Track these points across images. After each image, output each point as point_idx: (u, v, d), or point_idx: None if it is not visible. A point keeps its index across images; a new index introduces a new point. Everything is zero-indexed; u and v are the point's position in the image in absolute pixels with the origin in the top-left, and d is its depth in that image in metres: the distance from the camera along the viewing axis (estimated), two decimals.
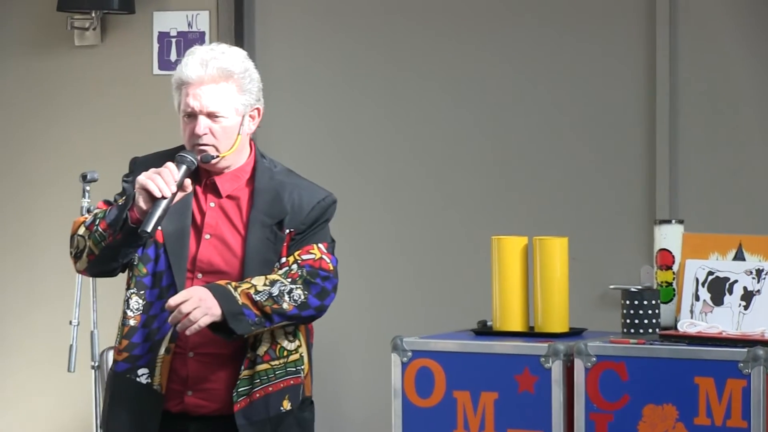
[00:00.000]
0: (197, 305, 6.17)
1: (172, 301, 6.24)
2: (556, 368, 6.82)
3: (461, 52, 9.40)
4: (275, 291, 6.36)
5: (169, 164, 6.40)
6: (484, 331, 7.26)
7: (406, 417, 7.15)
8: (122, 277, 7.00)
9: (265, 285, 6.36)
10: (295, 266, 6.43)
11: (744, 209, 8.46)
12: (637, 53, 9.19)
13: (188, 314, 6.12)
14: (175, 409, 6.54)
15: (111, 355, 8.33)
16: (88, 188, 7.88)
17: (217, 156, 6.42)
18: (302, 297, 6.37)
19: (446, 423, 7.06)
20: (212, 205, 6.63)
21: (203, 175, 6.57)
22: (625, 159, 9.03)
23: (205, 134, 6.36)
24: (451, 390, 7.07)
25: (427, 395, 7.13)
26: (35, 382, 9.57)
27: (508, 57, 9.35)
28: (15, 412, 9.87)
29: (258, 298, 6.29)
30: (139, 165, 6.67)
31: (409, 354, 7.11)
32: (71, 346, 7.89)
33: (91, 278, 7.96)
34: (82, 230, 6.50)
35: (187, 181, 6.41)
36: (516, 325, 7.18)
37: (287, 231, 6.45)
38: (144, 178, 6.29)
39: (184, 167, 6.33)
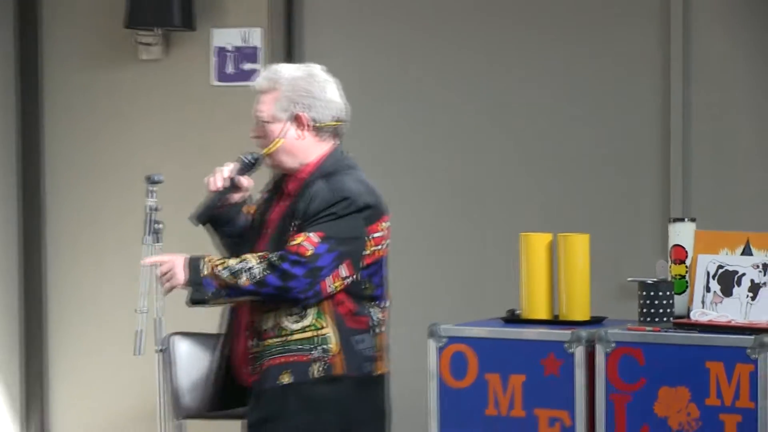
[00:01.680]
0: (166, 270, 6.63)
1: (147, 260, 7.19)
2: (579, 353, 6.95)
3: (492, 61, 9.43)
4: (237, 267, 6.53)
5: (229, 163, 6.86)
6: (513, 319, 7.39)
7: (442, 397, 7.27)
8: None
9: (234, 263, 6.57)
10: (283, 254, 6.54)
11: (751, 209, 8.51)
12: (654, 66, 9.22)
13: (162, 276, 6.64)
14: (245, 384, 6.82)
15: (175, 339, 8.80)
16: (153, 189, 7.99)
17: (261, 155, 6.77)
18: (260, 276, 6.49)
19: (478, 403, 7.19)
20: (281, 202, 6.84)
21: (285, 176, 6.89)
22: (642, 163, 9.13)
23: (254, 136, 6.77)
24: (483, 373, 7.17)
25: (461, 377, 7.21)
26: (107, 365, 9.69)
27: (537, 66, 9.40)
28: (90, 390, 10.00)
29: (219, 272, 6.51)
30: None
31: (445, 340, 7.25)
32: (138, 331, 8.12)
33: (157, 248, 8.25)
34: None
35: (247, 181, 6.85)
36: (542, 313, 7.33)
37: (296, 223, 6.58)
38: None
39: (237, 165, 6.77)
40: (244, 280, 6.50)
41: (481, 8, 9.47)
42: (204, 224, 6.99)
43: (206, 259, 6.65)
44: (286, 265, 6.49)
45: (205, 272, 6.57)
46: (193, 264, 6.63)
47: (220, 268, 6.55)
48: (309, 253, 6.47)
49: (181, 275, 6.59)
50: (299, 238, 6.48)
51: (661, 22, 9.16)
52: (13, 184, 10.20)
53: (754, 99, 8.98)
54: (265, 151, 6.73)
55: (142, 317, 8.09)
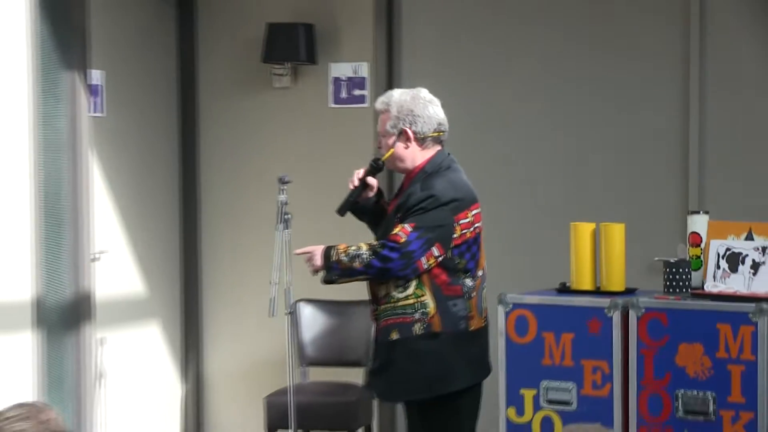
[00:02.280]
0: (310, 257, 6.94)
1: (297, 251, 7.16)
2: (616, 317, 7.07)
3: (552, 76, 9.40)
4: (352, 254, 6.82)
5: (360, 170, 7.18)
6: (564, 289, 7.51)
7: (508, 350, 7.39)
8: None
9: (352, 251, 6.83)
10: (383, 243, 6.82)
11: (753, 203, 8.46)
12: (675, 84, 9.07)
13: (306, 261, 6.96)
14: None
15: (300, 304, 8.98)
16: (283, 187, 8.05)
17: (381, 160, 7.08)
18: (367, 260, 6.75)
19: (537, 355, 7.30)
20: (397, 198, 7.15)
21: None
22: (667, 168, 9.07)
23: (378, 147, 7.08)
24: (541, 331, 7.28)
25: (523, 335, 7.33)
26: (249, 323, 9.71)
27: (585, 81, 9.33)
28: (235, 344, 10.05)
29: (341, 258, 6.82)
30: None
31: (510, 306, 7.36)
32: (271, 298, 8.17)
33: (283, 247, 8.06)
34: None
35: (374, 180, 7.13)
36: (587, 285, 7.42)
37: (398, 215, 6.88)
38: None
39: (367, 168, 7.06)
40: (356, 264, 6.77)
41: (540, 38, 9.39)
42: (343, 215, 7.16)
43: (336, 248, 6.87)
44: (385, 251, 6.72)
45: (333, 258, 6.83)
46: (327, 252, 6.89)
47: (342, 255, 6.80)
48: (402, 240, 6.69)
49: (318, 261, 6.91)
50: (396, 229, 6.71)
51: (682, 49, 9.04)
52: (176, 183, 10.24)
53: (764, 109, 8.88)
54: (382, 159, 7.03)
55: (275, 287, 8.01)
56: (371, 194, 7.15)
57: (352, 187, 7.08)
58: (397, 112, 6.90)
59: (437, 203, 6.78)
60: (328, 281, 6.98)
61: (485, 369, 7.13)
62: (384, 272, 6.79)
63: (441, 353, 6.87)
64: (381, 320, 6.92)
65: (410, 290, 6.83)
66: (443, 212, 6.81)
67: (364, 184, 7.08)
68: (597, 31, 9.27)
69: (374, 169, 7.11)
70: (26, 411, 4.18)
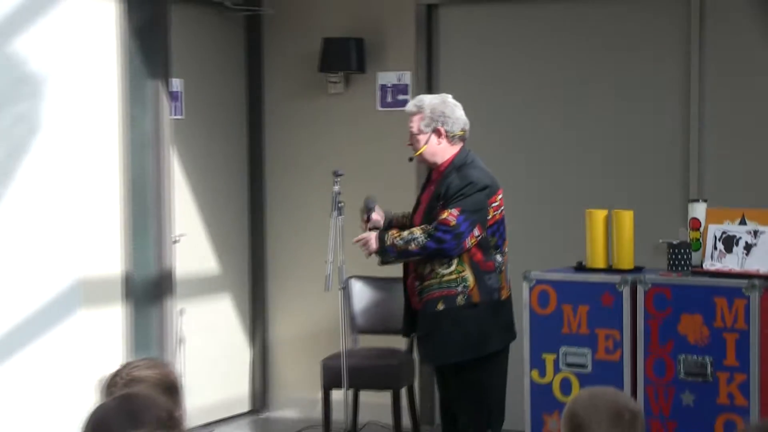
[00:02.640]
0: (366, 243, 7.04)
1: (355, 239, 7.24)
2: (626, 291, 7.11)
3: (569, 80, 9.32)
4: (407, 238, 6.87)
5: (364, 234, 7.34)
6: (581, 267, 7.51)
7: (532, 321, 7.42)
8: (353, 232, 7.45)
9: (406, 234, 6.89)
10: (434, 225, 6.87)
11: (746, 192, 8.39)
12: (676, 82, 8.99)
13: (362, 246, 7.06)
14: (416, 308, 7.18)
15: (352, 280, 8.97)
16: (337, 179, 8.01)
17: (371, 201, 7.31)
18: (422, 242, 6.80)
19: (557, 325, 7.34)
20: (429, 187, 7.21)
21: (432, 169, 7.24)
22: (669, 161, 9.02)
23: (408, 144, 7.07)
24: (560, 304, 7.30)
25: (545, 307, 7.35)
26: (309, 297, 9.65)
27: (596, 82, 9.24)
28: (296, 314, 10.09)
29: (396, 241, 6.88)
30: None
31: (534, 281, 7.36)
32: (327, 275, 8.28)
33: (337, 231, 8.20)
34: None
35: (377, 219, 7.34)
36: (600, 264, 7.43)
37: (440, 202, 6.91)
38: None
39: (363, 219, 7.38)
40: (412, 246, 6.82)
41: (557, 49, 9.32)
42: (387, 261, 7.22)
43: (389, 233, 6.96)
44: (439, 234, 6.78)
45: (388, 243, 6.91)
46: (381, 237, 6.98)
47: (397, 239, 6.88)
48: (453, 223, 6.76)
49: (373, 245, 7.01)
50: (444, 214, 6.77)
51: (683, 54, 8.97)
52: (245, 175, 10.26)
53: (757, 106, 8.84)
54: (416, 153, 7.05)
55: (330, 265, 8.12)
56: (382, 224, 7.29)
57: (371, 250, 7.24)
58: (430, 113, 6.95)
59: (475, 189, 6.87)
60: (384, 262, 7.10)
61: (513, 334, 7.19)
62: (438, 252, 6.83)
63: (480, 320, 6.95)
64: (425, 294, 6.93)
65: (453, 267, 6.88)
66: (480, 197, 6.90)
67: (374, 226, 7.28)
68: (607, 35, 9.23)
69: (368, 209, 7.33)
70: (152, 362, 4.27)
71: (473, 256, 6.91)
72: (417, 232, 6.89)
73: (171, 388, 3.81)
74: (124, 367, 4.09)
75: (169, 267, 9.19)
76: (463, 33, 9.66)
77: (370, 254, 7.16)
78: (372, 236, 7.05)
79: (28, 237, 8.48)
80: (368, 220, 7.33)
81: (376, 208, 7.40)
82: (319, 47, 9.67)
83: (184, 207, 9.58)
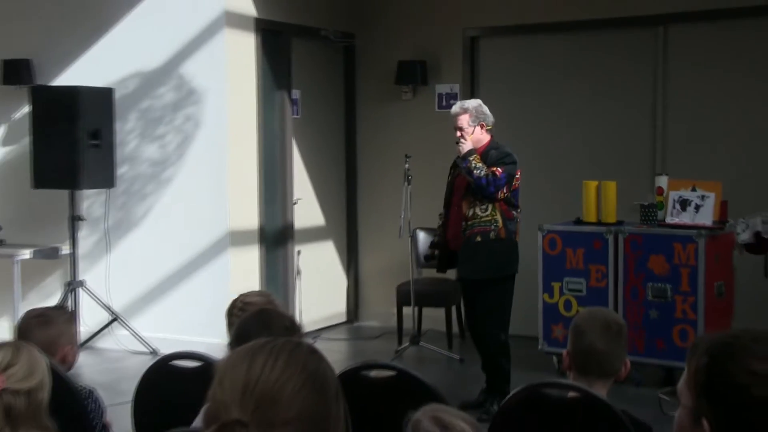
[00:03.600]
0: (463, 142, 6.71)
1: (459, 138, 6.88)
2: (611, 238, 7.25)
3: (574, 94, 9.11)
4: (479, 167, 6.64)
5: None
6: (578, 221, 7.61)
7: (544, 259, 7.60)
8: (418, 197, 7.54)
9: (479, 164, 6.67)
10: (491, 172, 6.66)
11: (697, 169, 8.08)
12: (646, 87, 8.82)
13: (459, 143, 6.76)
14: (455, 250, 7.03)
15: (417, 230, 8.83)
16: (407, 159, 8.02)
17: (464, 142, 6.83)
18: (481, 174, 6.65)
19: (561, 262, 7.46)
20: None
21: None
22: (642, 146, 8.83)
23: (458, 136, 6.82)
24: (564, 247, 7.42)
25: (553, 249, 7.48)
26: (388, 241, 9.39)
27: (594, 95, 9.03)
28: (378, 257, 9.97)
29: (473, 162, 6.64)
30: None
31: (546, 231, 7.58)
32: (400, 226, 8.28)
33: (407, 196, 8.28)
34: None
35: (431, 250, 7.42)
36: (592, 219, 7.52)
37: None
38: None
39: (430, 253, 7.40)
40: (476, 172, 6.67)
41: (564, 72, 9.19)
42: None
43: (475, 154, 6.72)
44: (491, 177, 6.65)
45: (470, 157, 6.69)
46: (469, 152, 6.71)
47: (474, 161, 6.70)
48: (499, 174, 6.63)
49: (465, 149, 6.75)
50: (495, 169, 6.68)
51: (652, 61, 8.85)
52: (342, 157, 10.12)
53: (711, 104, 8.67)
54: (462, 146, 6.81)
55: (402, 219, 8.16)
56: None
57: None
58: (474, 113, 6.86)
59: (510, 161, 6.82)
60: (462, 158, 6.81)
61: (517, 265, 7.02)
62: (480, 188, 6.77)
63: (503, 250, 6.88)
64: (468, 230, 6.83)
65: (488, 212, 6.77)
66: (513, 168, 6.82)
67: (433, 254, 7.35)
68: (599, 60, 9.05)
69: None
70: (259, 292, 4.36)
71: (501, 206, 6.80)
72: (484, 169, 6.76)
73: (271, 311, 3.74)
74: (240, 296, 4.15)
75: (290, 221, 9.24)
76: (496, 57, 9.51)
77: (459, 151, 6.90)
78: (469, 144, 6.85)
79: (196, 199, 8.65)
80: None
81: None
82: (395, 67, 9.58)
83: (300, 179, 9.50)
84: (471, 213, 6.82)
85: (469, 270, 6.96)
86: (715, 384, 1.63)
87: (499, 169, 6.78)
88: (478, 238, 6.82)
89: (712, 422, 1.63)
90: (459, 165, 6.91)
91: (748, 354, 1.62)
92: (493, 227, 6.82)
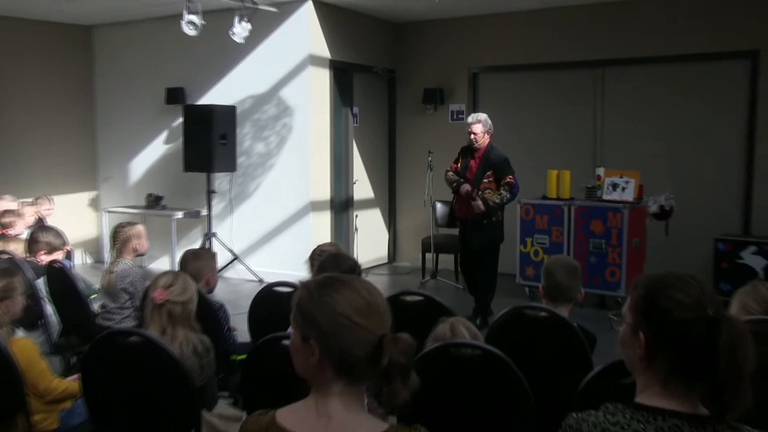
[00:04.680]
0: (477, 208, 6.43)
1: (474, 206, 6.50)
2: (566, 209, 7.11)
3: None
4: (503, 199, 6.42)
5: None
6: (545, 197, 7.43)
7: (521, 223, 7.43)
8: (436, 180, 7.07)
9: (498, 198, 6.46)
10: (505, 186, 6.41)
11: (623, 163, 8.01)
12: (589, 112, 8.63)
13: (476, 211, 6.44)
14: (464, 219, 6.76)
15: (436, 202, 8.49)
16: (431, 154, 7.95)
17: (478, 144, 6.57)
18: (507, 197, 6.43)
19: (533, 224, 7.30)
20: (473, 161, 6.67)
21: (474, 148, 6.65)
22: (586, 147, 8.68)
23: (473, 140, 6.59)
24: (535, 215, 7.30)
25: (528, 216, 7.33)
26: (415, 210, 9.30)
27: (563, 116, 8.80)
28: (408, 219, 9.80)
29: (496, 201, 6.42)
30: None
31: (522, 203, 7.41)
32: (425, 199, 8.07)
33: (429, 179, 8.10)
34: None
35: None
36: (554, 195, 7.38)
37: (490, 169, 6.50)
38: None
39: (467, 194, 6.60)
40: (501, 201, 6.49)
41: (541, 97, 9.00)
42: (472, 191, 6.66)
43: (488, 200, 6.45)
44: (514, 190, 6.51)
45: (491, 205, 6.48)
46: (486, 203, 6.46)
47: (493, 202, 6.49)
48: (513, 183, 6.45)
49: (482, 208, 6.46)
50: (508, 179, 6.44)
51: (594, 87, 8.68)
52: (386, 153, 9.91)
53: (633, 121, 8.56)
54: (476, 145, 6.61)
55: (426, 193, 8.05)
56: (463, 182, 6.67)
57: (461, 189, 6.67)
58: (485, 122, 6.64)
59: (509, 164, 6.60)
60: (487, 210, 6.50)
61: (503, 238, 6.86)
62: (513, 199, 6.59)
63: (500, 228, 6.71)
64: (475, 200, 6.51)
65: (499, 197, 6.51)
66: (511, 168, 6.59)
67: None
68: (560, 90, 8.86)
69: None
70: (331, 243, 4.39)
71: (509, 193, 6.56)
72: (503, 192, 6.47)
73: (339, 255, 3.73)
74: (318, 246, 4.20)
75: (350, 195, 9.25)
76: (490, 86, 9.33)
77: (479, 213, 6.52)
78: (479, 203, 6.48)
79: (288, 180, 8.68)
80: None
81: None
82: (422, 92, 9.51)
83: (357, 166, 9.43)
84: (480, 194, 6.56)
85: (479, 241, 6.71)
86: (649, 308, 1.59)
87: (510, 177, 6.54)
88: (485, 221, 6.62)
89: (646, 334, 1.59)
90: (490, 212, 6.52)
91: (671, 288, 1.58)
92: (497, 216, 6.68)
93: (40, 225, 6.60)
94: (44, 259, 5.01)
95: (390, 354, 1.54)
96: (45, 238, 5.11)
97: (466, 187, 6.57)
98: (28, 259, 5.06)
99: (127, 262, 4.63)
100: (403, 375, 1.56)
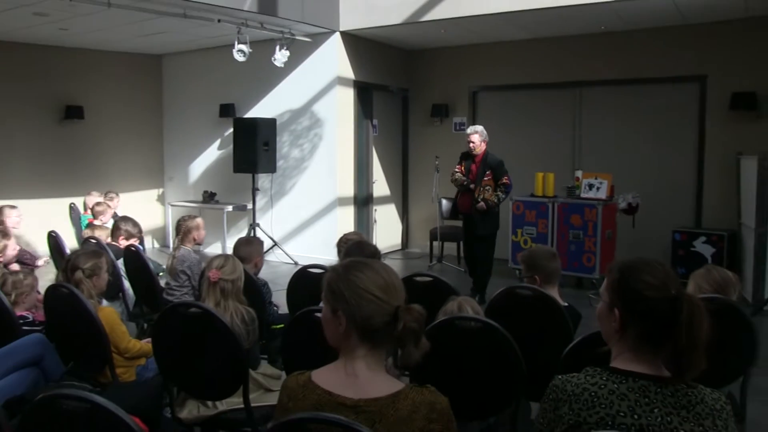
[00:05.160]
0: (482, 207, 6.27)
1: (478, 207, 6.33)
2: (551, 205, 6.99)
3: (539, 125, 8.79)
4: (500, 198, 6.28)
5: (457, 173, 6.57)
6: (533, 195, 7.25)
7: (513, 216, 7.28)
8: (441, 180, 7.00)
9: (495, 197, 6.34)
10: (501, 187, 6.29)
11: (599, 167, 7.93)
12: (568, 124, 8.54)
13: (481, 209, 6.28)
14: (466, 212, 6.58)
15: (442, 198, 8.18)
16: (437, 158, 7.90)
17: (476, 151, 6.43)
18: (503, 197, 6.27)
19: (522, 218, 7.20)
20: (474, 164, 6.51)
21: (473, 154, 6.49)
22: (566, 155, 8.59)
23: (472, 149, 6.35)
24: (525, 210, 7.25)
25: (519, 211, 7.20)
26: (422, 206, 9.22)
27: (550, 127, 8.65)
28: (419, 211, 9.68)
29: (494, 201, 6.26)
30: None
31: (514, 200, 7.33)
32: (432, 196, 8.12)
33: (437, 179, 8.04)
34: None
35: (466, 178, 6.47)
36: (540, 193, 7.26)
37: (488, 170, 6.35)
38: None
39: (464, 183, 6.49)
40: (499, 199, 6.32)
41: (529, 111, 8.90)
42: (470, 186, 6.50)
43: (488, 200, 6.28)
44: (508, 189, 6.35)
45: (491, 204, 6.33)
46: (487, 203, 6.31)
47: (491, 200, 6.33)
48: (509, 183, 6.33)
49: (485, 207, 6.32)
50: (504, 179, 6.26)
51: (574, 105, 8.61)
52: (400, 157, 9.81)
53: (607, 133, 8.44)
54: (475, 152, 6.44)
55: (433, 191, 8.01)
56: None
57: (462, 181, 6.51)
58: (482, 132, 6.54)
59: (503, 166, 6.49)
60: (489, 208, 6.36)
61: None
62: (507, 196, 6.47)
63: (498, 218, 6.60)
64: (479, 203, 6.42)
65: (495, 200, 6.44)
66: (505, 168, 6.48)
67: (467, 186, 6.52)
68: (543, 109, 8.77)
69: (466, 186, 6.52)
70: (355, 232, 4.34)
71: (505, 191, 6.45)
72: (499, 192, 6.34)
73: (363, 242, 3.72)
74: (344, 234, 4.17)
75: (371, 192, 9.22)
76: (487, 102, 9.25)
77: (483, 211, 6.38)
78: (483, 205, 6.34)
79: (319, 180, 8.64)
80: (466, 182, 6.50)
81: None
82: (430, 107, 9.47)
83: (376, 169, 9.36)
84: (482, 197, 6.47)
85: (482, 228, 6.58)
86: (623, 288, 1.58)
87: (505, 177, 6.41)
88: (486, 214, 6.51)
89: (620, 309, 1.58)
90: (490, 209, 6.35)
91: (640, 272, 1.56)
92: (496, 200, 6.55)
93: (121, 216, 6.68)
94: (123, 243, 5.11)
95: (404, 320, 1.56)
96: (125, 226, 5.25)
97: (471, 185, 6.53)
98: (111, 243, 5.16)
99: (186, 248, 4.66)
100: (415, 338, 1.57)
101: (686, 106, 7.91)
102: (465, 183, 6.57)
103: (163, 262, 5.26)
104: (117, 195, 8.15)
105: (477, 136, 6.58)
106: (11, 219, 6.01)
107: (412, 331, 1.56)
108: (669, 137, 8.04)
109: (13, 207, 6.20)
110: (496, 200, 6.45)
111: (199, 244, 4.82)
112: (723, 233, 7.20)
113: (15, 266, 4.65)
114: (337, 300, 1.62)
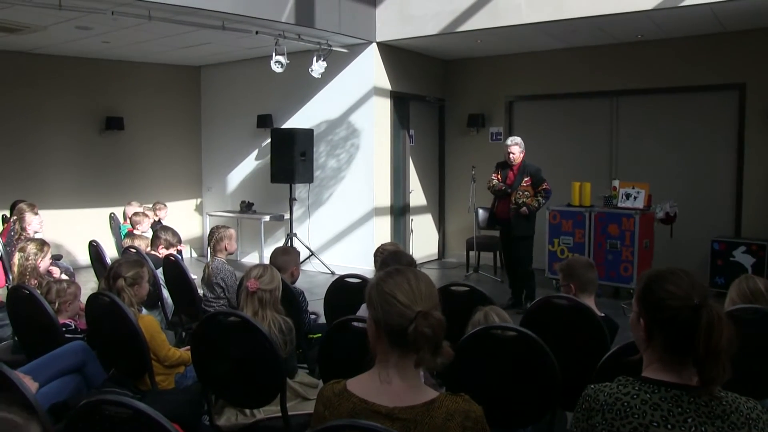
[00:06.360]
0: (524, 211, 6.34)
1: (521, 211, 6.37)
2: (587, 215, 6.95)
3: (569, 133, 8.74)
4: (540, 203, 6.28)
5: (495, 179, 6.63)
6: (570, 205, 7.25)
7: (550, 226, 7.13)
8: (478, 190, 7.04)
9: (536, 202, 6.36)
10: (542, 192, 6.30)
11: (636, 176, 7.87)
12: (605, 139, 8.47)
13: (523, 213, 6.32)
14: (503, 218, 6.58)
15: (478, 208, 8.14)
16: (474, 169, 7.90)
17: (515, 162, 6.46)
18: (543, 201, 6.26)
19: (559, 227, 6.98)
20: (511, 171, 6.57)
21: (509, 164, 6.53)
22: (603, 165, 8.52)
23: (511, 160, 6.39)
24: (561, 219, 7.15)
25: (555, 220, 6.93)
26: (459, 214, 9.21)
27: (584, 136, 8.61)
28: (455, 222, 9.66)
29: (534, 206, 6.35)
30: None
31: (550, 209, 7.10)
32: (468, 205, 8.06)
33: (473, 189, 8.06)
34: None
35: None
36: (577, 203, 7.23)
37: (527, 176, 6.37)
38: None
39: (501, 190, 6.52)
40: (540, 204, 6.35)
41: (561, 119, 8.87)
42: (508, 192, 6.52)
43: (529, 205, 6.33)
44: (548, 194, 6.35)
45: (532, 209, 6.38)
46: (529, 207, 6.37)
47: (535, 204, 6.39)
48: (549, 188, 6.34)
49: (527, 212, 6.35)
50: (544, 185, 6.28)
51: (610, 114, 8.54)
52: (437, 166, 9.77)
53: (643, 143, 8.40)
54: (514, 162, 6.47)
55: (470, 201, 7.94)
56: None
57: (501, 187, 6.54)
58: (521, 143, 6.56)
59: (542, 174, 6.51)
60: (530, 212, 6.40)
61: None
62: (547, 201, 6.48)
63: (534, 220, 6.54)
64: (521, 208, 6.44)
65: (536, 204, 6.46)
66: (544, 177, 6.50)
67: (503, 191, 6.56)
68: (578, 118, 8.74)
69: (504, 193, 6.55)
70: (391, 243, 4.41)
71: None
72: (539, 197, 6.37)
73: (399, 252, 3.70)
74: (381, 244, 4.19)
75: (407, 202, 9.23)
76: (523, 112, 9.22)
77: (525, 215, 6.42)
78: (525, 210, 6.38)
79: (356, 189, 8.66)
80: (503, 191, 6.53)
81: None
82: (467, 117, 9.44)
83: (413, 178, 9.36)
84: (522, 200, 6.45)
85: (518, 230, 6.57)
86: (647, 297, 1.59)
87: (545, 184, 6.45)
88: (527, 217, 6.54)
89: (646, 320, 1.59)
90: (530, 212, 6.40)
91: (665, 281, 1.57)
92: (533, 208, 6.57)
93: (161, 225, 6.79)
94: (162, 252, 5.19)
95: (417, 324, 1.56)
96: (164, 235, 5.32)
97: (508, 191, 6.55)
98: (151, 252, 5.23)
99: (220, 259, 4.69)
100: (428, 344, 1.57)
101: (724, 115, 7.83)
102: (503, 188, 6.57)
103: (200, 272, 5.31)
104: (165, 205, 8.30)
105: (517, 148, 6.60)
106: (32, 225, 5.48)
107: (423, 335, 1.56)
108: (707, 146, 7.97)
109: (34, 211, 5.54)
110: (536, 205, 6.46)
111: (230, 253, 4.84)
112: (764, 243, 7.07)
113: (56, 272, 4.66)
114: (370, 305, 1.65)
